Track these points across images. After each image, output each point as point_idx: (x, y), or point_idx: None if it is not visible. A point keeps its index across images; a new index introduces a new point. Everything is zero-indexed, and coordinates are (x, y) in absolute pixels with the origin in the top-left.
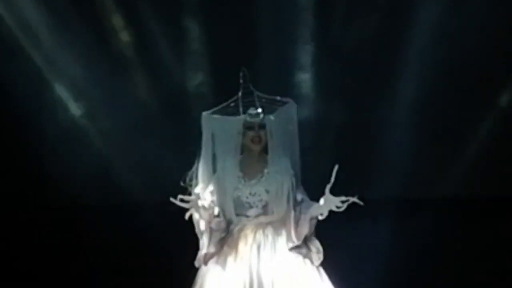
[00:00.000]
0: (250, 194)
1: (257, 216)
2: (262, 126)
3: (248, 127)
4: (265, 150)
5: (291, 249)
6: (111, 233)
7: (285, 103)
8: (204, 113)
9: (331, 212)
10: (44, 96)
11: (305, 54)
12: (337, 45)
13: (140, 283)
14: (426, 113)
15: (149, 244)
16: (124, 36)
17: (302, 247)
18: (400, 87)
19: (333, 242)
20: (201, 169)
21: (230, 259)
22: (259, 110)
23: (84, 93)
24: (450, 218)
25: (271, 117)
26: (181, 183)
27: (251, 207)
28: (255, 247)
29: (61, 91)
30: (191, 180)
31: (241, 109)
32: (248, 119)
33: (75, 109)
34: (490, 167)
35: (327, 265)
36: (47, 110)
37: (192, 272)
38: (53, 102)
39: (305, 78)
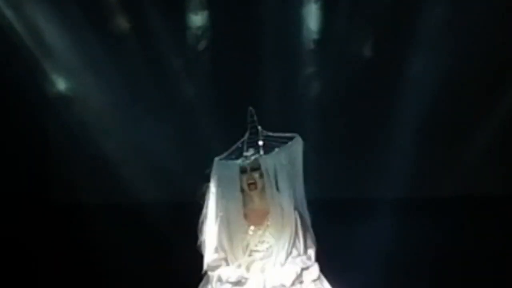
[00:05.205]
0: (259, 242)
1: (262, 258)
2: (255, 168)
3: (242, 170)
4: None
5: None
6: (116, 232)
7: (290, 138)
8: (216, 159)
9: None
10: (49, 94)
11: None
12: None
13: (145, 283)
14: (429, 113)
15: (154, 244)
16: (134, 46)
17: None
18: (403, 88)
19: (336, 242)
20: (208, 216)
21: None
22: (252, 152)
23: (90, 92)
24: (453, 218)
25: (267, 157)
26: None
27: (258, 252)
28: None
29: (67, 89)
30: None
31: (244, 150)
32: (241, 162)
33: (80, 107)
34: (493, 166)
35: (330, 265)
36: (52, 109)
37: (197, 273)
38: (57, 101)
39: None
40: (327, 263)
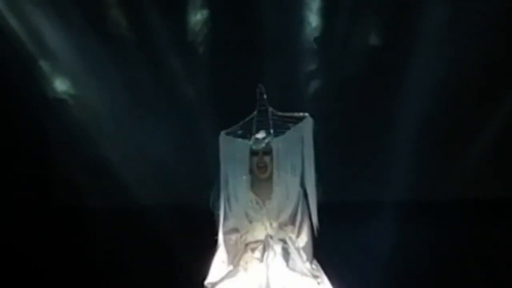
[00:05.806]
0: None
1: (267, 236)
2: (267, 151)
3: (252, 153)
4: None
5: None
6: (116, 234)
7: (301, 118)
8: (222, 133)
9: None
10: (49, 96)
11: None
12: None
13: (146, 286)
14: (430, 115)
15: (155, 246)
16: (134, 48)
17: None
18: (404, 91)
19: (336, 244)
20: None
21: (241, 271)
22: (264, 134)
23: (90, 94)
24: (454, 220)
25: (279, 140)
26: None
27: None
28: (264, 262)
29: (67, 91)
30: (214, 201)
31: (254, 130)
32: (253, 144)
33: (80, 109)
34: (494, 169)
35: (331, 267)
36: (52, 110)
37: (200, 274)
38: (58, 103)
39: (311, 81)
40: (328, 264)
